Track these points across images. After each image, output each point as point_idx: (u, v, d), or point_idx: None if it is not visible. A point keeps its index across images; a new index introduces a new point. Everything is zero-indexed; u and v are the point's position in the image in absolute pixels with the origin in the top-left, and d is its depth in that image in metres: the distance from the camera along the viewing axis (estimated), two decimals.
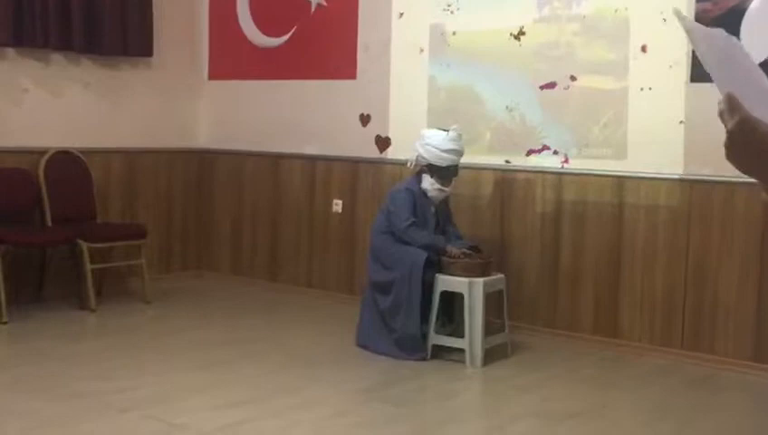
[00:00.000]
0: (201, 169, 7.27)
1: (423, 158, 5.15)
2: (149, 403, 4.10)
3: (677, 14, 1.28)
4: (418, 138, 5.26)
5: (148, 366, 4.75)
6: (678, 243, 5.09)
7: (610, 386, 4.70)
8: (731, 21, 4.76)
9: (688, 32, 1.24)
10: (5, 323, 5.48)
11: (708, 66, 1.22)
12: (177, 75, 7.09)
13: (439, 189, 5.18)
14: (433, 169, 5.15)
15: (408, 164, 5.28)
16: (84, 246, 5.91)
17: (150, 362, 4.83)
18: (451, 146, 5.11)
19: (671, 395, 4.52)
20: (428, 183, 5.17)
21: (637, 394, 4.57)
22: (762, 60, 4.61)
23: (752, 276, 4.85)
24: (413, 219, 5.08)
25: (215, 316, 6.00)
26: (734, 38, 1.20)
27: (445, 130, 5.16)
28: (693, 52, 4.91)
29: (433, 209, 5.24)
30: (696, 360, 5.01)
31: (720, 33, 1.19)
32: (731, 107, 1.15)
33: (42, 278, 6.16)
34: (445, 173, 5.16)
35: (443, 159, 5.11)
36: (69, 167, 6.27)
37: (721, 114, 1.16)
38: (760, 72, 1.20)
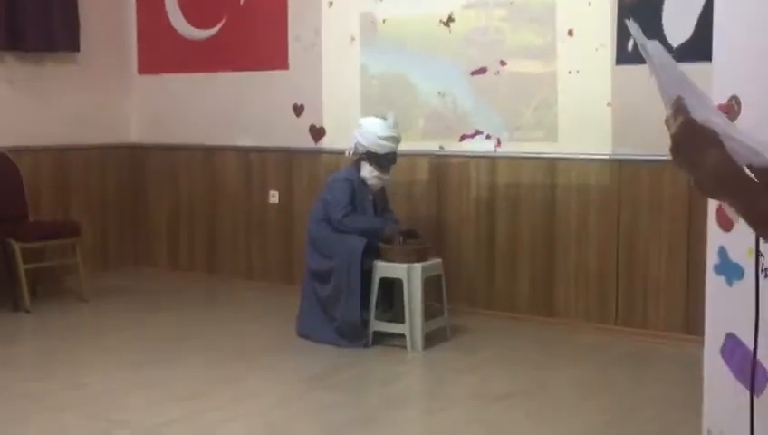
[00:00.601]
0: (134, 164, 7.18)
1: (362, 145, 5.17)
2: (89, 402, 4.07)
3: (630, 26, 1.34)
4: (356, 126, 5.28)
5: (87, 365, 4.70)
6: (609, 222, 5.21)
7: (548, 364, 4.80)
8: (653, 6, 4.88)
9: (639, 40, 1.30)
10: None
11: (656, 74, 1.28)
12: (105, 70, 6.99)
13: (378, 177, 5.21)
14: (371, 157, 5.17)
15: (347, 153, 5.30)
16: (16, 245, 5.80)
17: (89, 361, 4.78)
18: (389, 133, 5.15)
19: (607, 370, 4.63)
20: (367, 171, 5.19)
21: (574, 371, 4.68)
22: (682, 42, 4.75)
23: (680, 252, 4.99)
24: (349, 208, 5.10)
25: (154, 312, 5.95)
26: (665, 50, 1.26)
27: (382, 118, 5.20)
28: (618, 35, 5.03)
29: (371, 197, 5.28)
30: (630, 335, 5.14)
31: (655, 44, 1.26)
32: (676, 110, 1.21)
33: None
34: (383, 160, 5.19)
35: (381, 147, 5.14)
36: None
37: (666, 121, 1.22)
38: (690, 80, 1.27)
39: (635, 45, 4.91)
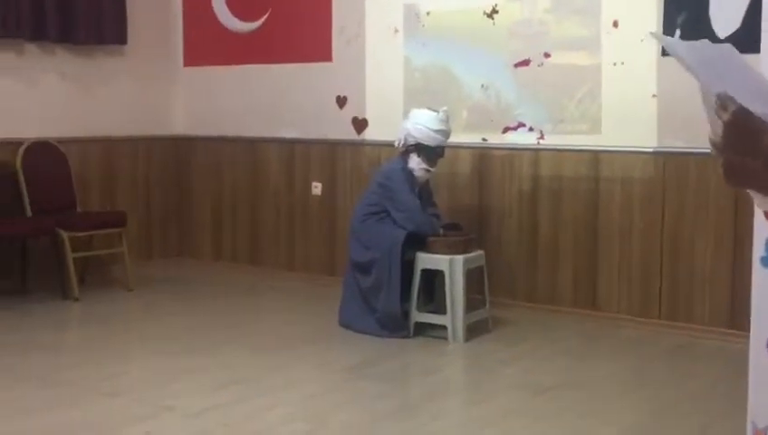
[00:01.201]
0: (179, 155, 7.28)
1: (412, 137, 5.16)
2: (137, 388, 4.15)
3: (655, 36, 1.35)
4: (407, 117, 5.28)
5: (134, 352, 4.79)
6: (654, 215, 5.17)
7: (589, 357, 4.78)
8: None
9: (668, 47, 1.29)
10: None
11: (696, 74, 1.27)
12: (152, 62, 7.08)
13: (425, 169, 5.21)
14: (420, 149, 5.17)
15: (396, 143, 5.29)
16: (65, 235, 5.92)
17: (136, 348, 4.87)
18: (441, 126, 5.14)
19: (650, 364, 4.61)
20: (415, 162, 5.20)
21: (616, 364, 4.66)
22: (730, 33, 4.69)
23: (726, 245, 4.94)
24: (418, 201, 5.12)
25: (198, 301, 6.04)
26: (725, 45, 1.26)
27: (434, 111, 5.18)
28: (664, 25, 4.98)
29: (416, 189, 5.28)
30: (673, 329, 5.10)
31: (706, 43, 1.25)
32: (723, 103, 1.20)
33: (24, 269, 6.16)
34: (432, 153, 5.19)
35: (433, 139, 5.13)
36: (47, 157, 6.26)
37: (716, 111, 1.22)
38: (754, 70, 1.26)
39: (681, 36, 4.86)
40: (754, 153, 1.21)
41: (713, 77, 1.26)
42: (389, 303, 5.02)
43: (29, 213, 6.07)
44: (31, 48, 6.30)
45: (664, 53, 5.02)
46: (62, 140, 6.38)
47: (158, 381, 4.25)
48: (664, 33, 4.98)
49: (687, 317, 5.10)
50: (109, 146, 6.78)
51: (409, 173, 5.19)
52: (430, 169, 5.22)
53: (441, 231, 5.15)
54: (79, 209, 6.36)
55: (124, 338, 5.15)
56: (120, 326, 5.45)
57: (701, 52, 1.26)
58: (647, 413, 3.89)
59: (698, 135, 4.91)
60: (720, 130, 1.22)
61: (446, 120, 5.17)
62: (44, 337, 5.07)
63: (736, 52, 1.26)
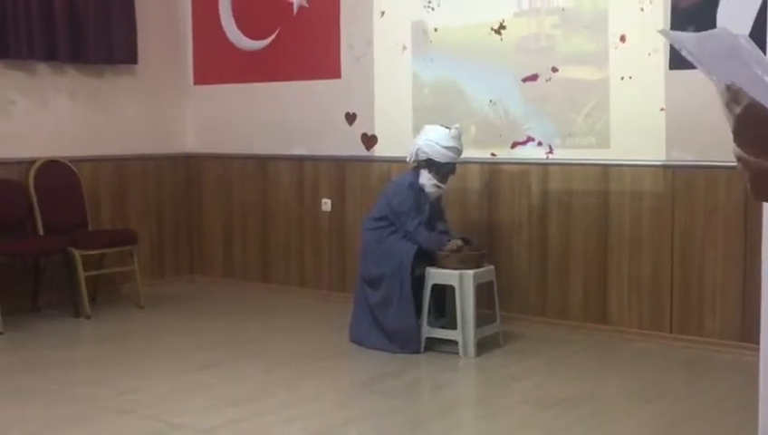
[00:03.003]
0: (189, 173, 7.31)
1: (423, 152, 5.17)
2: (148, 405, 4.16)
3: (663, 33, 1.34)
4: (419, 132, 5.30)
5: (145, 369, 4.80)
6: (663, 228, 5.17)
7: (601, 371, 4.77)
8: (708, 9, 4.85)
9: (677, 43, 1.29)
10: (1, 333, 5.51)
11: (705, 66, 1.26)
12: (162, 81, 7.13)
13: (436, 186, 5.22)
14: (431, 165, 5.19)
15: (408, 159, 5.30)
16: (77, 253, 5.95)
17: (147, 366, 4.88)
18: (453, 144, 5.15)
19: (661, 377, 4.60)
20: (426, 178, 5.21)
21: (627, 378, 4.65)
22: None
23: (736, 258, 4.93)
24: (420, 217, 5.12)
25: (209, 319, 6.06)
26: (740, 35, 1.25)
27: (447, 128, 5.20)
28: None
29: (427, 206, 5.29)
30: (685, 343, 5.09)
31: (723, 31, 1.24)
32: (734, 95, 1.19)
33: (36, 287, 6.19)
34: (443, 170, 5.20)
35: (443, 156, 5.14)
36: (58, 176, 6.31)
37: (727, 105, 1.21)
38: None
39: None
40: (765, 148, 1.19)
41: (724, 70, 1.24)
42: (401, 317, 5.02)
43: (41, 231, 6.11)
44: (42, 68, 6.36)
45: (672, 66, 5.04)
46: (73, 159, 6.42)
47: (170, 399, 4.26)
48: (671, 45, 4.99)
49: (698, 330, 5.08)
50: (120, 165, 6.83)
51: (418, 189, 5.21)
52: (441, 185, 5.23)
53: (459, 242, 5.12)
54: (90, 228, 6.40)
55: (136, 355, 5.17)
56: (132, 344, 5.47)
57: (711, 45, 1.25)
58: (657, 427, 3.87)
59: (707, 148, 4.93)
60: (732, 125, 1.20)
61: (458, 138, 5.18)
62: (56, 355, 5.09)
63: (749, 43, 1.25)
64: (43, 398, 4.26)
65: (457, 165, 5.29)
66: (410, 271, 5.01)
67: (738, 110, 1.18)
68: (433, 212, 5.34)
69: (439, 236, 5.20)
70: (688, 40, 1.27)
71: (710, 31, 1.25)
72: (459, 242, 5.10)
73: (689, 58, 1.27)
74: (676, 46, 1.28)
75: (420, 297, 5.05)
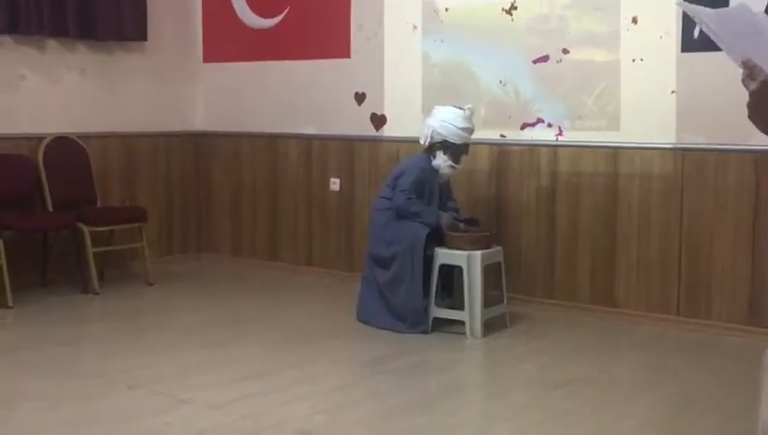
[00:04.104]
0: (198, 151, 7.32)
1: (438, 134, 5.17)
2: (156, 381, 4.18)
3: (682, 5, 1.33)
4: (431, 114, 5.28)
5: (153, 346, 4.82)
6: (672, 211, 5.16)
7: (607, 353, 4.78)
8: None
9: (696, 15, 1.28)
10: (11, 307, 5.55)
11: (722, 41, 1.25)
12: (171, 59, 7.13)
13: (451, 166, 5.22)
14: (447, 146, 5.18)
15: (422, 140, 5.29)
16: (85, 229, 5.97)
17: (155, 342, 4.90)
18: (466, 124, 5.16)
19: (667, 360, 4.60)
20: (441, 159, 5.20)
21: (633, 360, 4.66)
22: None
23: (745, 242, 4.93)
24: (413, 195, 5.12)
25: (217, 296, 6.08)
26: (760, 13, 1.24)
27: (460, 108, 5.19)
28: (683, 22, 4.96)
29: (437, 186, 5.29)
30: (691, 326, 5.09)
31: (742, 8, 1.24)
32: (751, 71, 1.19)
33: (44, 263, 6.22)
34: (458, 150, 5.20)
35: (459, 137, 5.15)
36: (67, 152, 6.32)
37: (743, 80, 1.20)
38: None
39: (701, 32, 4.85)
40: None
41: (741, 46, 1.24)
42: (411, 297, 5.04)
43: (50, 207, 6.13)
44: (52, 44, 6.35)
45: (684, 49, 5.01)
46: (82, 136, 6.43)
47: (178, 374, 4.28)
48: (683, 27, 4.96)
49: (706, 314, 5.08)
50: (129, 142, 6.83)
51: (430, 171, 5.20)
52: (456, 165, 5.23)
53: (461, 225, 5.15)
54: (99, 204, 6.41)
55: (144, 332, 5.20)
56: (140, 320, 5.50)
57: (730, 20, 1.25)
58: (664, 410, 3.88)
59: (718, 131, 4.92)
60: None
61: (471, 118, 5.18)
62: (65, 330, 5.12)
63: (767, 20, 1.24)
64: (52, 374, 4.29)
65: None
66: (423, 251, 5.02)
67: (753, 85, 1.18)
68: (444, 192, 5.35)
69: (429, 212, 5.16)
70: (707, 14, 1.27)
71: (729, 7, 1.24)
72: (448, 220, 5.09)
73: (707, 32, 1.27)
74: (695, 19, 1.28)
75: (429, 277, 5.06)
